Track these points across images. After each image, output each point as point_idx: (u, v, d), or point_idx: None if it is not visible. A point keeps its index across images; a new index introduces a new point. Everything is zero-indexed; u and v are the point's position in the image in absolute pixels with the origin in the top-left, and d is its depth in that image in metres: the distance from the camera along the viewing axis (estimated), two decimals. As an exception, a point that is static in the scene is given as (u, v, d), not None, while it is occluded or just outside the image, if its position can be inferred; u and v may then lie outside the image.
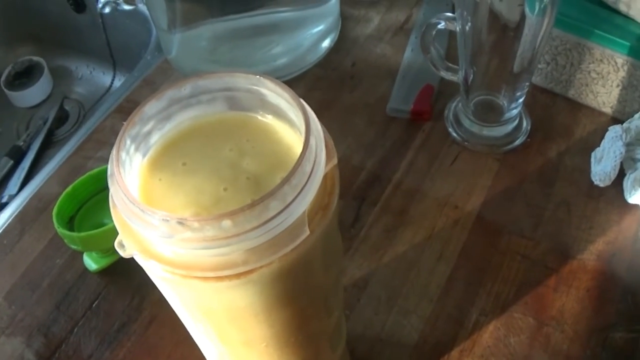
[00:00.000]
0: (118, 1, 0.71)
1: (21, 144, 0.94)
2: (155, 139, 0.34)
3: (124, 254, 0.31)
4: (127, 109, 0.73)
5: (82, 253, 0.61)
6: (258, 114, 0.35)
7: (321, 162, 0.31)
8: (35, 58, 1.02)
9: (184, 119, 0.35)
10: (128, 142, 0.32)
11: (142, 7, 0.85)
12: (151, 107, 0.33)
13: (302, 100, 0.32)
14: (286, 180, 0.29)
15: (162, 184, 0.33)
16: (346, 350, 0.50)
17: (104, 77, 1.02)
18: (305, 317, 0.37)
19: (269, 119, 0.35)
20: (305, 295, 0.35)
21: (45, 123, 0.97)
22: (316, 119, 0.32)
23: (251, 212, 0.28)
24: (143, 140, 0.33)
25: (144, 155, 0.34)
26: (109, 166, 0.31)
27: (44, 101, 1.02)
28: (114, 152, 0.31)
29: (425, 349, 0.56)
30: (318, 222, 0.31)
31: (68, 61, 1.04)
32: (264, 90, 0.34)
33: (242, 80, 0.34)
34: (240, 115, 0.35)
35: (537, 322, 0.56)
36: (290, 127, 0.34)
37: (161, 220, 0.28)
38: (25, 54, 1.04)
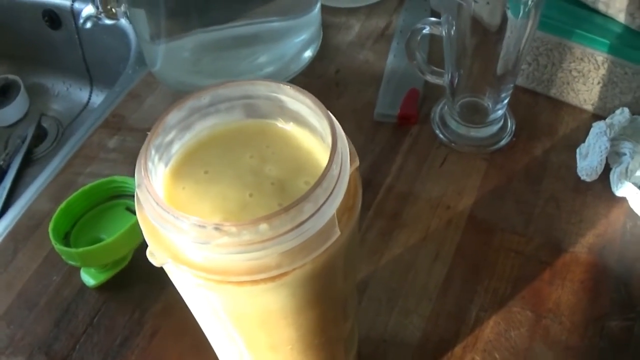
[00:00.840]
0: (99, 16, 0.71)
1: (1, 163, 0.93)
2: (176, 148, 0.35)
3: (156, 263, 0.31)
4: (113, 123, 0.73)
5: (79, 269, 0.61)
6: (277, 120, 0.36)
7: (347, 165, 0.32)
8: (11, 76, 1.01)
9: (203, 127, 0.35)
10: (153, 151, 0.32)
11: (120, 22, 0.85)
12: (173, 116, 0.33)
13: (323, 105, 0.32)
14: (318, 183, 0.29)
15: (186, 192, 0.33)
16: (357, 356, 0.51)
17: (80, 93, 1.01)
18: (327, 320, 0.38)
19: (287, 126, 0.36)
20: (329, 297, 0.36)
21: (23, 141, 0.96)
22: (338, 123, 0.32)
23: (286, 215, 0.29)
24: (165, 150, 0.34)
25: (166, 165, 0.34)
26: (136, 176, 0.31)
27: (21, 119, 1.01)
28: (141, 162, 0.31)
29: (428, 347, 0.56)
30: (345, 223, 0.32)
31: (44, 78, 1.04)
32: (283, 97, 0.34)
33: (261, 88, 0.34)
34: (258, 122, 0.36)
35: (535, 315, 0.58)
36: (310, 133, 0.35)
37: (197, 227, 0.28)
38: (1, 72, 1.03)
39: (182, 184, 0.34)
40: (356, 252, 0.37)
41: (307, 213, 0.29)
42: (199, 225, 0.28)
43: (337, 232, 0.31)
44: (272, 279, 0.30)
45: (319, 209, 0.29)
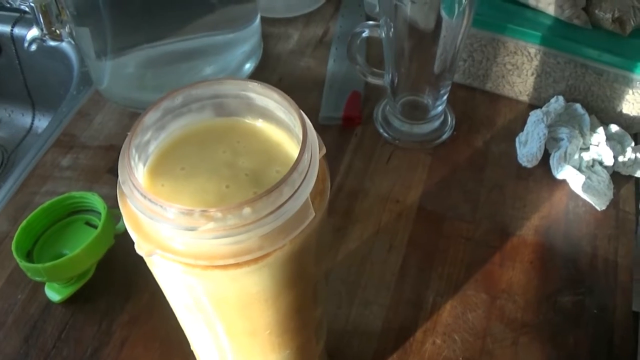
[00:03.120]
0: (44, 38, 0.71)
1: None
2: (153, 147, 0.37)
3: (144, 254, 0.33)
4: (64, 142, 0.74)
5: (43, 286, 0.62)
6: (245, 117, 0.38)
7: (317, 151, 0.34)
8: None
9: (176, 127, 0.37)
10: (133, 151, 0.34)
11: (61, 45, 0.86)
12: (149, 117, 0.35)
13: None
14: (294, 167, 0.32)
15: (166, 189, 0.35)
16: (325, 348, 0.53)
17: (23, 119, 1.01)
18: (302, 303, 0.40)
19: (255, 121, 0.38)
20: (304, 280, 0.38)
21: (-31, 169, 0.96)
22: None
23: (268, 198, 0.31)
24: (143, 149, 0.36)
25: (144, 164, 0.36)
26: (120, 174, 0.33)
27: (-35, 148, 1.00)
28: (124, 160, 0.33)
29: (390, 335, 0.59)
30: (318, 206, 0.34)
31: (-15, 107, 1.03)
32: (251, 94, 0.37)
33: (230, 87, 0.37)
34: (227, 120, 0.38)
35: (490, 297, 0.61)
36: (277, 126, 0.37)
37: (184, 214, 0.30)
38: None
39: (161, 181, 0.36)
40: (326, 235, 0.40)
41: (286, 196, 0.31)
42: (186, 213, 0.30)
43: (312, 214, 0.33)
44: (255, 260, 0.32)
45: (295, 192, 0.32)
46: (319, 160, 0.35)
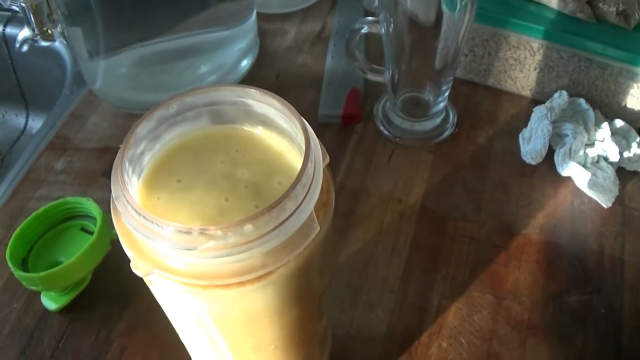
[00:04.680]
0: (36, 38, 0.70)
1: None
2: (147, 159, 0.35)
3: (141, 274, 0.31)
4: (58, 145, 0.73)
5: (39, 295, 0.60)
6: (243, 125, 0.37)
7: (320, 161, 0.32)
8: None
9: (171, 137, 0.36)
10: (127, 164, 0.32)
11: (54, 44, 0.85)
12: (143, 128, 0.34)
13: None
14: (297, 181, 0.30)
15: (162, 203, 0.34)
16: (330, 356, 0.52)
17: (17, 119, 0.99)
18: (307, 318, 0.39)
19: (254, 129, 0.37)
20: (309, 294, 0.37)
21: (-37, 172, 0.94)
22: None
23: (270, 214, 0.29)
24: (137, 161, 0.34)
25: (138, 177, 0.35)
26: (113, 189, 0.31)
27: (-43, 151, 0.99)
28: (117, 175, 0.31)
29: (395, 339, 0.58)
30: (323, 219, 0.33)
31: (-22, 108, 1.02)
32: (249, 101, 0.35)
33: (227, 94, 0.35)
34: (225, 128, 0.37)
35: (496, 298, 0.59)
36: (278, 134, 0.36)
37: (182, 233, 0.29)
38: None
39: (157, 195, 0.34)
40: (331, 247, 0.38)
41: (289, 211, 0.30)
42: (184, 231, 0.29)
43: (317, 228, 0.31)
44: (259, 279, 0.31)
45: (299, 206, 0.30)
46: (323, 169, 0.34)
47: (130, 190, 0.32)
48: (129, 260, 0.32)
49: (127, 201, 0.30)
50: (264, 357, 0.39)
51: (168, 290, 0.33)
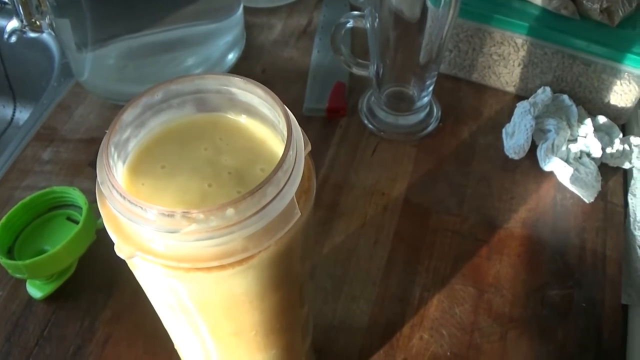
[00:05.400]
0: (24, 29, 0.70)
1: None
2: (132, 145, 0.35)
3: (124, 256, 0.32)
4: (45, 135, 0.73)
5: (24, 283, 0.60)
6: (227, 113, 0.37)
7: (302, 148, 0.33)
8: None
9: (156, 124, 0.36)
10: (112, 149, 0.33)
11: (42, 36, 0.85)
12: (128, 114, 0.34)
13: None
14: (279, 166, 0.31)
15: (146, 188, 0.34)
16: (312, 346, 0.52)
17: (4, 110, 0.99)
18: (288, 304, 0.39)
19: (238, 117, 0.37)
20: (290, 280, 0.37)
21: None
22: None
23: (251, 199, 0.30)
24: (122, 147, 0.35)
25: (123, 163, 0.35)
26: (98, 173, 0.32)
27: (-57, 141, 0.99)
28: (103, 159, 0.31)
29: (377, 330, 0.58)
30: (304, 205, 0.33)
31: (-34, 98, 1.02)
32: (233, 90, 0.36)
33: (211, 82, 0.35)
34: (209, 116, 0.37)
35: (477, 291, 0.60)
36: (261, 122, 0.36)
37: (165, 216, 0.29)
38: None
39: (141, 180, 0.35)
40: (312, 234, 0.39)
41: (270, 196, 0.30)
42: (167, 214, 0.29)
43: (298, 213, 0.32)
44: (240, 262, 0.32)
45: (280, 191, 0.31)
46: (305, 157, 0.34)
47: (116, 175, 0.33)
48: (114, 246, 0.32)
49: (112, 185, 0.31)
50: (245, 342, 0.40)
51: (150, 273, 0.33)
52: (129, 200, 0.30)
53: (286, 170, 0.31)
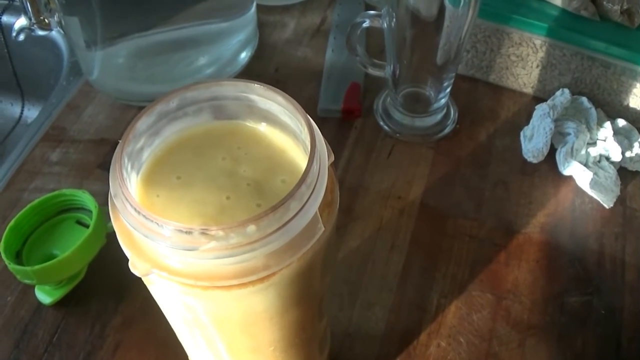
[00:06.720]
0: (32, 27, 0.69)
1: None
2: (146, 155, 0.34)
3: (140, 274, 0.30)
4: (53, 136, 0.72)
5: (33, 288, 0.59)
6: (246, 120, 0.36)
7: (325, 160, 0.32)
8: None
9: (171, 132, 0.35)
10: (126, 160, 0.31)
11: (51, 33, 0.83)
12: (142, 123, 0.33)
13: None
14: (302, 180, 0.29)
15: (161, 200, 0.33)
16: (329, 357, 0.51)
17: (12, 109, 0.98)
18: (307, 319, 0.38)
19: (257, 125, 0.36)
20: (311, 295, 0.36)
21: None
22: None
23: (274, 215, 0.28)
24: (136, 157, 0.33)
25: (137, 173, 0.34)
26: (111, 186, 0.30)
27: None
28: (116, 171, 0.30)
29: (393, 338, 0.57)
30: (327, 219, 0.32)
31: (-26, 97, 1.01)
32: (252, 97, 0.34)
33: (229, 89, 0.34)
34: (227, 123, 0.36)
35: (495, 297, 0.59)
36: (282, 131, 0.35)
37: (183, 233, 0.28)
38: None
39: (156, 192, 0.33)
40: (334, 247, 0.37)
41: (293, 211, 0.29)
42: (185, 231, 0.28)
43: (322, 228, 0.31)
44: (260, 280, 0.30)
45: (303, 206, 0.29)
46: (328, 168, 0.33)
47: (129, 187, 0.31)
48: (125, 255, 0.31)
49: (126, 199, 0.29)
50: (263, 358, 0.39)
51: (166, 290, 0.32)
52: (143, 216, 0.28)
53: (310, 184, 0.30)
